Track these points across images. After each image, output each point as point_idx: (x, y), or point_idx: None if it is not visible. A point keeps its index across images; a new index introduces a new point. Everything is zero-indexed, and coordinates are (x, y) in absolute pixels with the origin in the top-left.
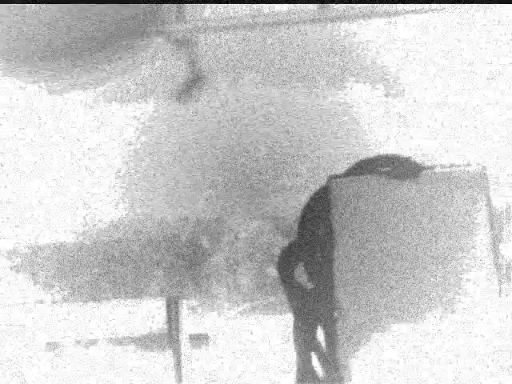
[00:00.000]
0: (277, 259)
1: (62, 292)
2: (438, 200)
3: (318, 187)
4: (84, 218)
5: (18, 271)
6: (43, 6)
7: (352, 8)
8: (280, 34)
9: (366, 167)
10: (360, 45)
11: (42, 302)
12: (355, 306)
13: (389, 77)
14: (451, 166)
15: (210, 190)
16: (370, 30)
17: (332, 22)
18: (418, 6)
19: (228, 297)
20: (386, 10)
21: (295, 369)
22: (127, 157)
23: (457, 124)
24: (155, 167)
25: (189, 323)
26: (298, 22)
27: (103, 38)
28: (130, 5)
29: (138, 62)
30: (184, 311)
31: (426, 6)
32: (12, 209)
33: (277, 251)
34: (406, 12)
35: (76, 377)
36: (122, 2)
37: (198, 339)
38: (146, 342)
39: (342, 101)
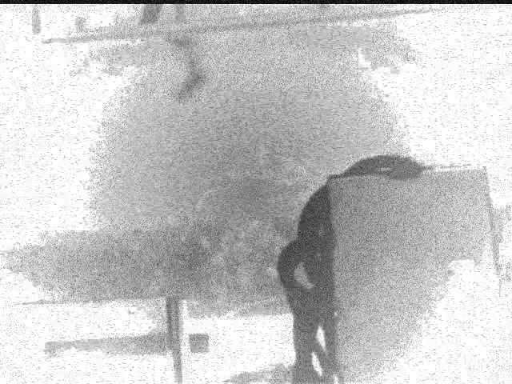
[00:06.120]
0: (277, 259)
1: (62, 292)
2: (438, 200)
3: (317, 187)
4: (84, 218)
5: (17, 271)
6: None
7: (352, 8)
8: (280, 34)
9: (366, 167)
10: (360, 45)
11: (42, 302)
12: (355, 306)
13: (388, 76)
14: (451, 166)
15: (210, 190)
16: (369, 30)
17: (332, 21)
18: (418, 6)
19: (228, 297)
20: (385, 9)
21: (295, 368)
22: (127, 157)
23: (457, 124)
24: (155, 167)
25: (189, 323)
26: (297, 22)
27: None
28: None
29: (138, 61)
30: (184, 311)
31: (426, 5)
32: (12, 209)
33: (277, 251)
34: (406, 12)
35: (76, 377)
36: (122, 2)
37: (198, 339)
38: (146, 342)
39: (342, 101)
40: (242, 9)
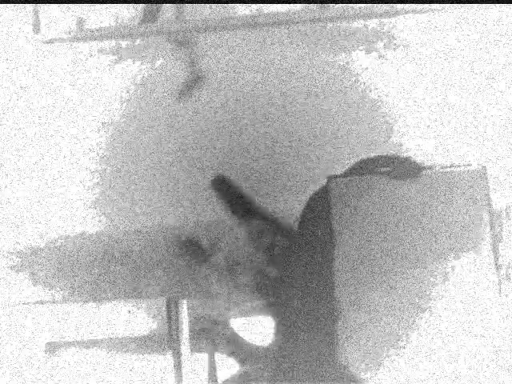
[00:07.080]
0: (276, 259)
1: (61, 292)
2: (438, 200)
3: (317, 187)
4: (84, 218)
5: (18, 271)
6: None
7: (352, 8)
8: (280, 34)
9: (366, 167)
10: (360, 45)
11: (41, 302)
12: (355, 306)
13: (389, 77)
14: (451, 165)
15: (210, 190)
16: (370, 30)
17: (332, 21)
18: (418, 6)
19: (228, 297)
20: (385, 10)
21: (295, 368)
22: (127, 157)
23: (457, 124)
24: (155, 167)
25: (189, 323)
26: (297, 22)
27: None
28: None
29: (138, 62)
30: (184, 311)
31: (426, 5)
32: (12, 209)
33: (277, 251)
34: (406, 12)
35: (76, 377)
36: (122, 2)
37: (199, 339)
38: (146, 342)
39: (342, 101)
40: (242, 9)
